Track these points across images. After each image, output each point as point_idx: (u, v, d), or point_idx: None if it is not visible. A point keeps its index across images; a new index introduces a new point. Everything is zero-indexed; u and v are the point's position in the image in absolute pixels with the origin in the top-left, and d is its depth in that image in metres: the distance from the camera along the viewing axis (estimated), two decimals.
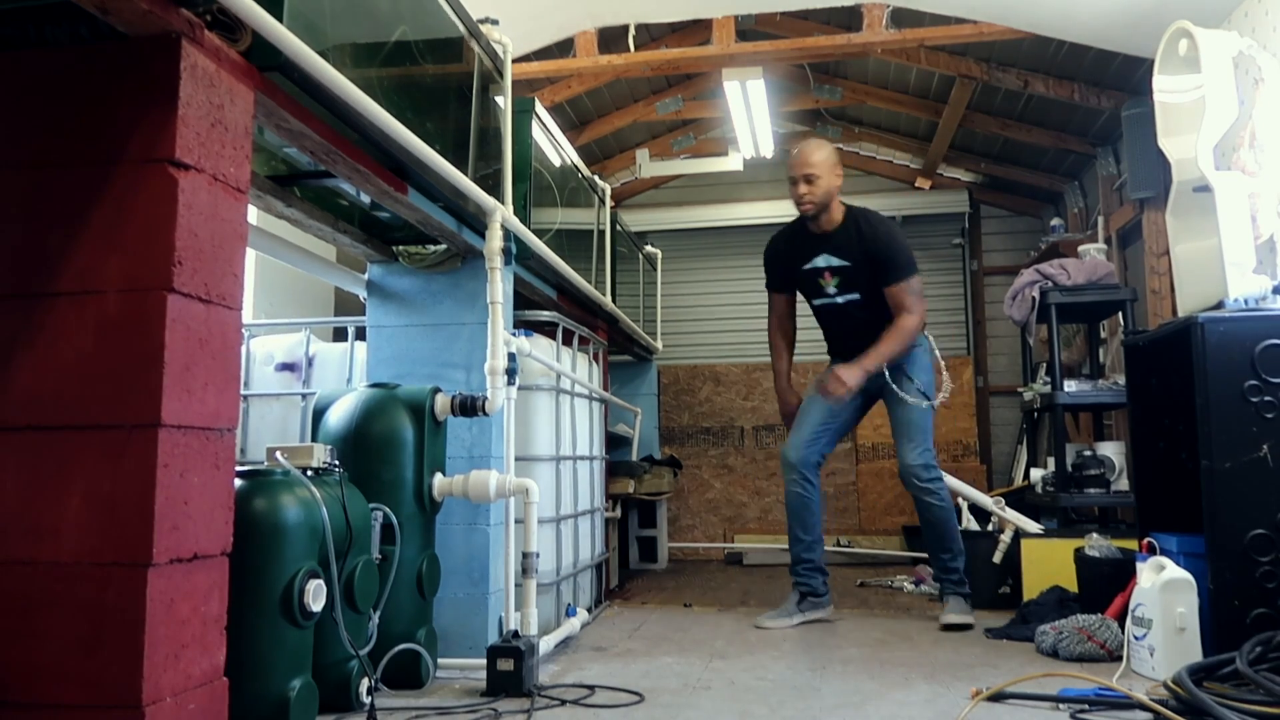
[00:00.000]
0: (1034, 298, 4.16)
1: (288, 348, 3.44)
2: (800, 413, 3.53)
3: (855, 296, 3.39)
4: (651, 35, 4.91)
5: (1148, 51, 3.50)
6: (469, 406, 2.50)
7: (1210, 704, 1.95)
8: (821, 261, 3.40)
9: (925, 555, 4.62)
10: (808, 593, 3.40)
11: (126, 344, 1.42)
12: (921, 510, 3.42)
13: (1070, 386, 4.08)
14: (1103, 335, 4.78)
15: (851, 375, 3.27)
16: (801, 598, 3.39)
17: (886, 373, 3.34)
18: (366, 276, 2.89)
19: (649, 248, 5.87)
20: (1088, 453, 4.01)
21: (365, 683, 2.12)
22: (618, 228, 4.77)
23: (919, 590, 4.16)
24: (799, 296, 3.63)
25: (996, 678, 2.41)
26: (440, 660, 2.51)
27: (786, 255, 3.54)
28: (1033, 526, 3.73)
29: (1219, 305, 2.68)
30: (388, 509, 2.30)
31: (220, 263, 1.54)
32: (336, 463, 2.17)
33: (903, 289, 3.32)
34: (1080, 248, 4.45)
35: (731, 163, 5.75)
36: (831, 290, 3.42)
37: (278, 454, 2.05)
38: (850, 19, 4.51)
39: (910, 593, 4.17)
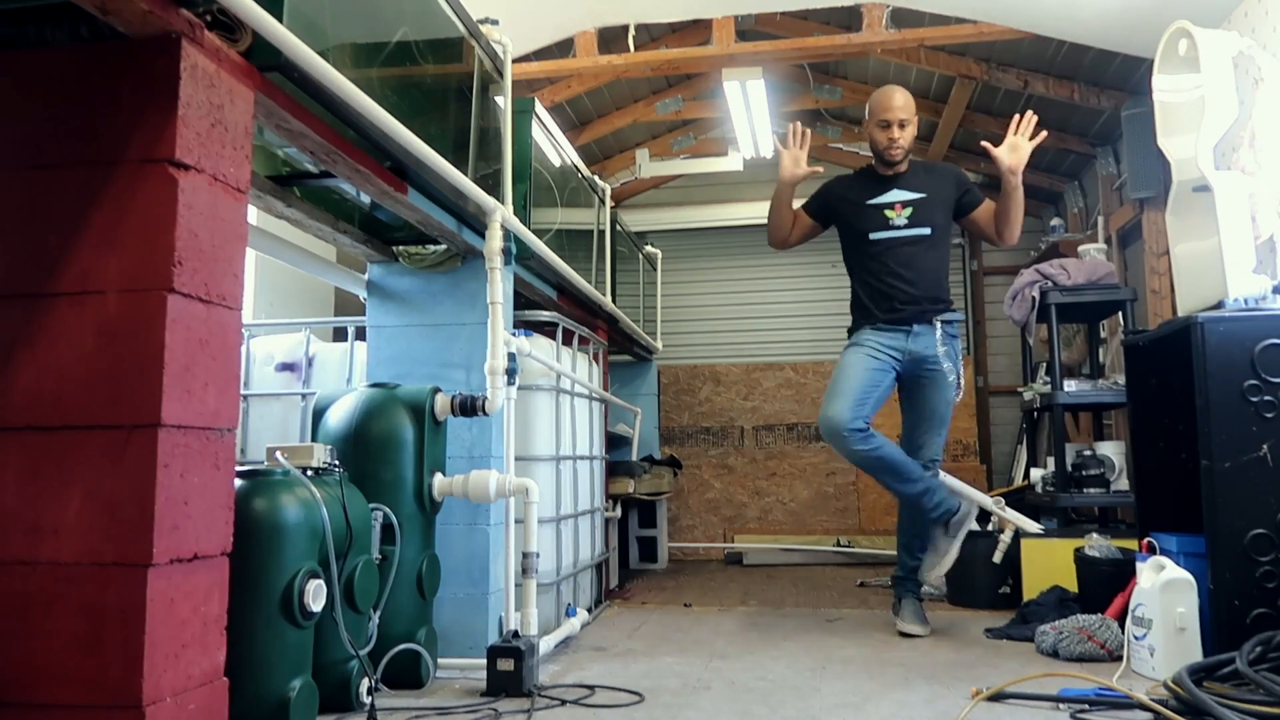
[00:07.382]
0: (1034, 298, 4.16)
1: (288, 348, 3.45)
2: (839, 376, 3.19)
3: (925, 231, 3.30)
4: (651, 35, 4.91)
5: (1148, 51, 3.50)
6: (469, 406, 2.50)
7: (1210, 704, 1.95)
8: (894, 196, 3.35)
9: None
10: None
11: (126, 344, 1.42)
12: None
13: (1070, 386, 4.08)
14: (1103, 335, 4.78)
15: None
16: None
17: (939, 351, 3.20)
18: (366, 276, 2.89)
19: (649, 248, 5.87)
20: (1088, 452, 4.01)
21: (365, 683, 2.12)
22: (618, 228, 4.77)
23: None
24: (840, 246, 3.50)
25: (996, 678, 2.41)
26: (440, 660, 2.52)
27: (850, 190, 3.46)
28: (1033, 526, 3.72)
29: (1219, 305, 2.68)
30: (388, 509, 2.30)
31: (220, 263, 1.54)
32: (336, 463, 2.17)
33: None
34: (1080, 248, 4.45)
35: (731, 163, 5.75)
36: (900, 222, 3.31)
37: (278, 454, 2.05)
38: (850, 19, 4.51)
39: None
